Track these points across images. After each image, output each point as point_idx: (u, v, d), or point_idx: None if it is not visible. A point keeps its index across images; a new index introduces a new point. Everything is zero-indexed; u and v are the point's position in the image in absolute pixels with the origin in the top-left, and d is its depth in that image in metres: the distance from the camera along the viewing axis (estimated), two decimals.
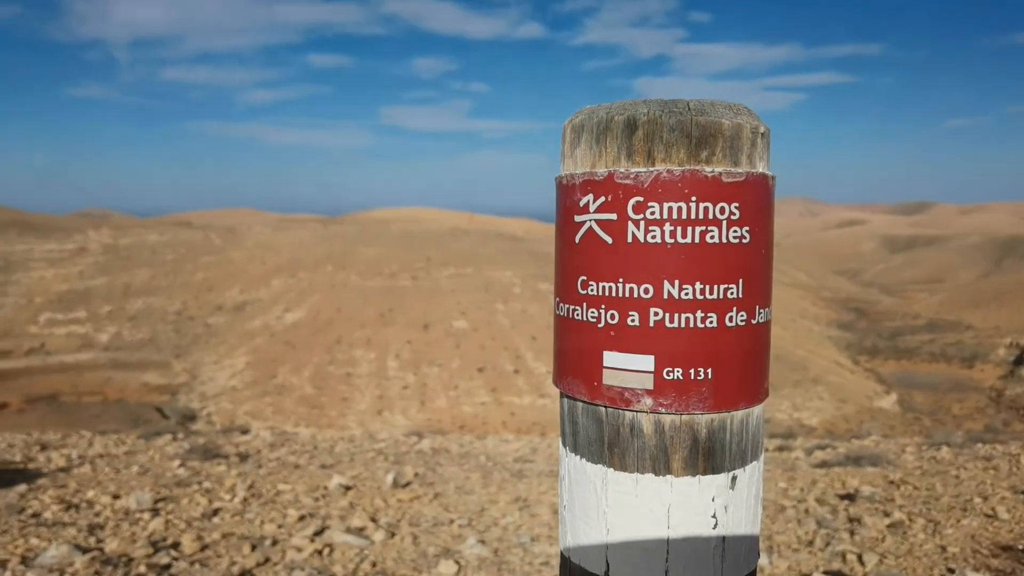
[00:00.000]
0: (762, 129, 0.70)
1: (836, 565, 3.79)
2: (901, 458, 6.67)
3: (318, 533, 4.44)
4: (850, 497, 5.10)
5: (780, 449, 8.12)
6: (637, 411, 0.69)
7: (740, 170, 0.68)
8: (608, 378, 0.69)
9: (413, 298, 47.56)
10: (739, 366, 0.69)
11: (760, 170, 0.70)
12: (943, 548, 3.94)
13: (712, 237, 0.67)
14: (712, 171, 0.67)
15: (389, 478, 5.95)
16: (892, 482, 5.52)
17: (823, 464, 6.61)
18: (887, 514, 4.62)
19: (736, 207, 0.67)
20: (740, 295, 0.68)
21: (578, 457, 0.73)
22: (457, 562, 3.98)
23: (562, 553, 0.75)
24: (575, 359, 0.73)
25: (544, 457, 7.65)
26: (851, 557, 3.86)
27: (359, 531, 4.52)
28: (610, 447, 0.70)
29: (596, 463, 0.71)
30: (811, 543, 4.15)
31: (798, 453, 7.57)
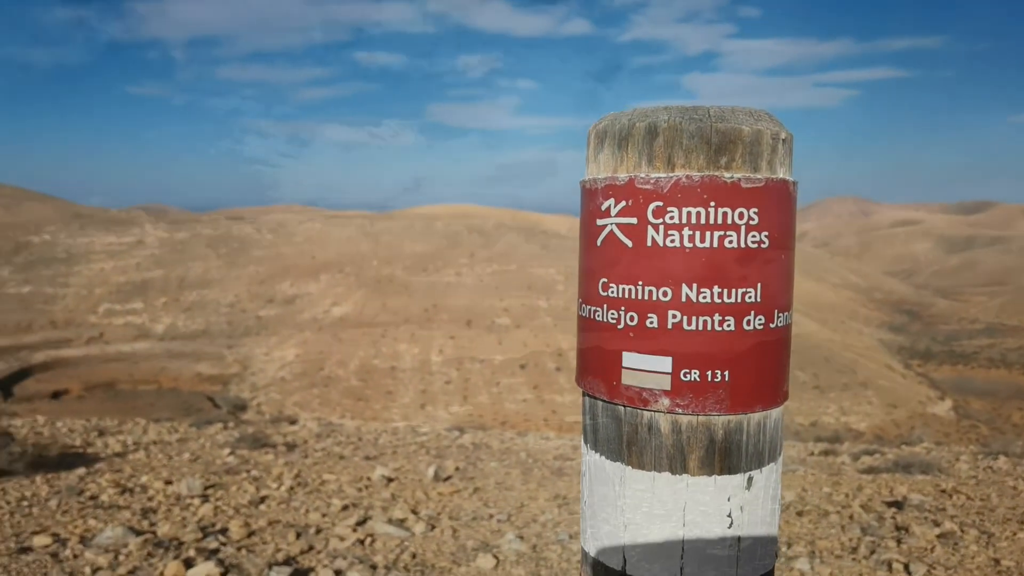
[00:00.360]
0: (783, 135, 0.71)
1: (881, 574, 3.71)
2: (955, 467, 6.47)
3: (360, 523, 4.53)
4: (898, 505, 4.97)
5: (825, 453, 7.95)
6: (655, 411, 0.70)
7: (759, 176, 0.69)
8: (627, 378, 0.71)
9: (456, 294, 47.91)
10: (756, 369, 0.69)
11: (780, 176, 0.71)
12: (996, 561, 3.81)
13: (731, 242, 0.68)
14: (731, 177, 0.68)
15: (430, 471, 6.02)
16: (944, 491, 5.36)
17: (870, 470, 6.45)
18: (937, 524, 4.49)
19: (755, 212, 0.68)
20: (758, 299, 0.69)
21: (598, 455, 0.75)
22: (495, 556, 4.02)
23: (583, 547, 0.77)
24: (595, 359, 0.75)
25: None
26: (897, 566, 3.77)
27: (400, 522, 4.60)
28: (628, 445, 0.72)
29: (615, 461, 0.73)
30: (855, 550, 4.06)
31: (844, 458, 7.41)
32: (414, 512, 4.84)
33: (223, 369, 38.26)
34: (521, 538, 4.39)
